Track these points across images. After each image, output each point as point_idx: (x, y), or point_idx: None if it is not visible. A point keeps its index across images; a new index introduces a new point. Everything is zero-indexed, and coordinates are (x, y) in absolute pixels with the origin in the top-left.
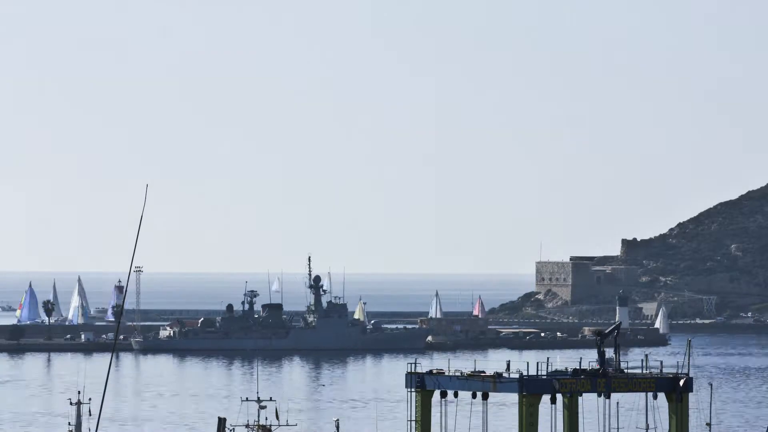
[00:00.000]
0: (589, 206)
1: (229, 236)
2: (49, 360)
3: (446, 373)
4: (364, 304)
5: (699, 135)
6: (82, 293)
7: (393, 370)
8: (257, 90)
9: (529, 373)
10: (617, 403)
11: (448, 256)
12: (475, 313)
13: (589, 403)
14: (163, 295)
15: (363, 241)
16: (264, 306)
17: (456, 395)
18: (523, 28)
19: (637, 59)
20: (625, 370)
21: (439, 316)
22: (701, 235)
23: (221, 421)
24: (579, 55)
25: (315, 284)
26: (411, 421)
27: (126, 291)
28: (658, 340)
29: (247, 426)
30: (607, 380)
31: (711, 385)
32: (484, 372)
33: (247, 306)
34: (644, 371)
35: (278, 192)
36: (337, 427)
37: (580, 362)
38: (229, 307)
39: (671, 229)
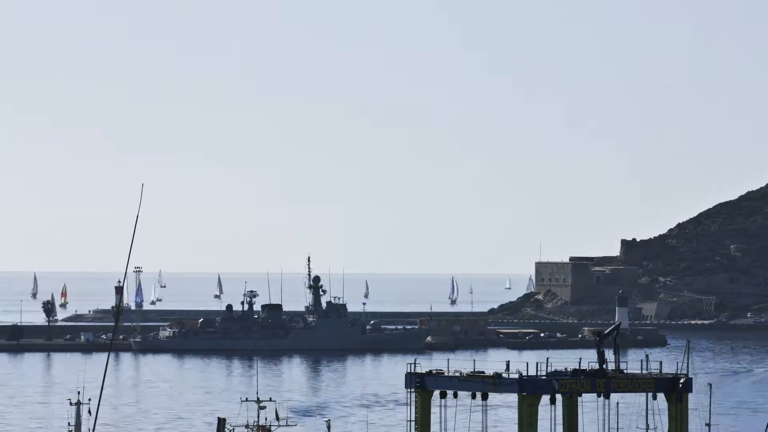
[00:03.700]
0: (589, 206)
1: (229, 236)
2: (49, 360)
3: (446, 374)
4: (364, 304)
5: (699, 135)
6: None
7: (393, 370)
8: (257, 90)
9: (529, 374)
10: (617, 403)
11: (447, 256)
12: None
13: (588, 403)
14: (165, 295)
15: (363, 241)
16: (264, 306)
17: (456, 395)
18: (523, 29)
19: (637, 60)
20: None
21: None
22: (701, 236)
23: (221, 422)
24: (578, 55)
25: (315, 284)
26: (410, 421)
27: (124, 290)
28: (657, 340)
29: (247, 426)
30: (606, 380)
31: (710, 385)
32: (483, 372)
33: (246, 306)
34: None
35: (278, 192)
36: (329, 428)
37: (580, 362)
38: (229, 307)
39: (671, 230)
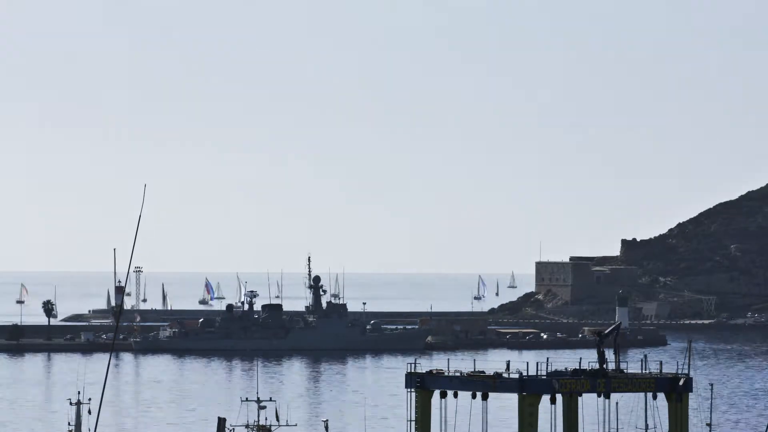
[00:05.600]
0: (589, 206)
1: (230, 236)
2: (49, 360)
3: (446, 373)
4: (364, 304)
5: (698, 135)
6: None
7: (393, 370)
8: (258, 89)
9: (529, 373)
10: (617, 403)
11: (447, 256)
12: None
13: (589, 402)
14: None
15: (363, 241)
16: (264, 306)
17: (456, 395)
18: (523, 28)
19: (637, 59)
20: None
21: None
22: (701, 236)
23: (221, 421)
24: (578, 55)
25: (315, 284)
26: (410, 421)
27: (125, 291)
28: (657, 340)
29: (247, 426)
30: (606, 380)
31: (711, 385)
32: (483, 372)
33: (246, 306)
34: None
35: (279, 192)
36: (326, 428)
37: (580, 362)
38: (229, 307)
39: (671, 230)
